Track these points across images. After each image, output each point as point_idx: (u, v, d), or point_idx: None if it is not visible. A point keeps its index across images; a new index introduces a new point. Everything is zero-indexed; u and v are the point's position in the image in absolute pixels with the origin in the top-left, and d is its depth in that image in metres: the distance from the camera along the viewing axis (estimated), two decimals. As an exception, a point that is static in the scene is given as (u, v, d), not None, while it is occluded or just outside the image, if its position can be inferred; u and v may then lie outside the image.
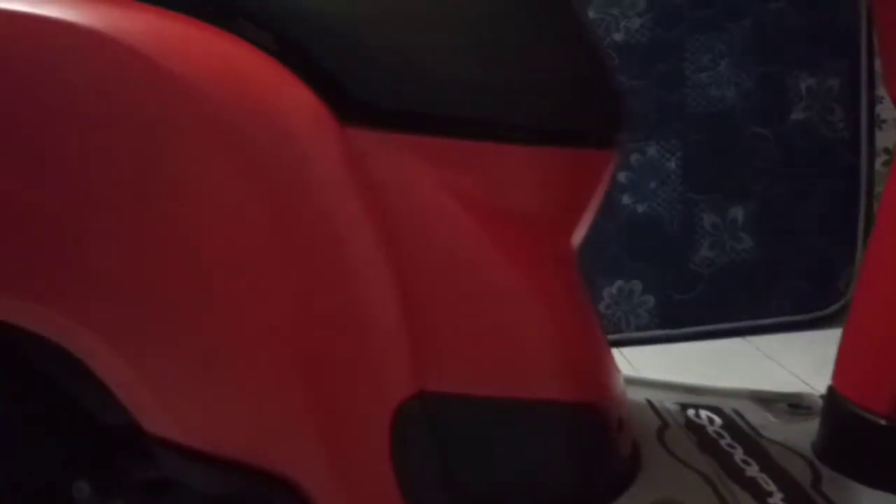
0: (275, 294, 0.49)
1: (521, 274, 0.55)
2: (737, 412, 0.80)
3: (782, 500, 0.63)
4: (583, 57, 0.58)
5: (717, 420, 0.77)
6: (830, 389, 0.75)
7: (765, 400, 0.84)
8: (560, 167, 0.57)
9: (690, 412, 0.78)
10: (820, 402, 0.84)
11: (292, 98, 0.49)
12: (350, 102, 0.50)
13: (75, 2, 0.48)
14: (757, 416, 0.79)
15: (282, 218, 0.48)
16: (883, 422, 0.68)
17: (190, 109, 0.47)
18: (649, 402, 0.79)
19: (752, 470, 0.67)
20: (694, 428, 0.74)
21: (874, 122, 1.76)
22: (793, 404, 0.83)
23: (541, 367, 0.55)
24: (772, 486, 0.65)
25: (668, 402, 0.80)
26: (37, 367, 0.57)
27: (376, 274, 0.50)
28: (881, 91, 1.80)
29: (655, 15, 1.55)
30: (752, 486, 0.64)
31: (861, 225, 1.74)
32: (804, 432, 0.77)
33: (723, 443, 0.72)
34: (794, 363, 1.58)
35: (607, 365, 0.61)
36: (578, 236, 0.61)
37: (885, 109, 1.84)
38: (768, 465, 0.69)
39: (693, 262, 1.66)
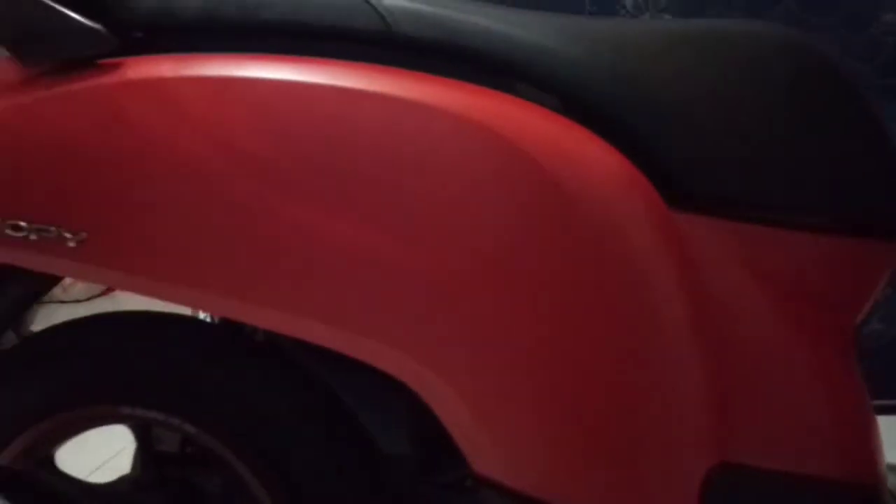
0: (602, 356, 0.54)
1: (816, 355, 0.59)
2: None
3: None
4: (879, 155, 0.62)
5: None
6: None
7: None
8: (855, 255, 0.61)
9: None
10: None
11: (626, 178, 0.55)
12: (676, 188, 0.56)
13: (427, 84, 0.56)
14: None
15: (615, 287, 0.54)
16: None
17: (537, 183, 0.54)
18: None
19: None
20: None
21: None
22: None
23: (832, 446, 0.58)
24: None
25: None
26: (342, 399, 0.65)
27: (689, 346, 0.55)
28: None
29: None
30: None
31: None
32: None
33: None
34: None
35: (880, 445, 0.63)
36: (860, 318, 0.64)
37: None
38: None
39: (862, 334, 1.64)
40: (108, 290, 2.47)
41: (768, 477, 0.57)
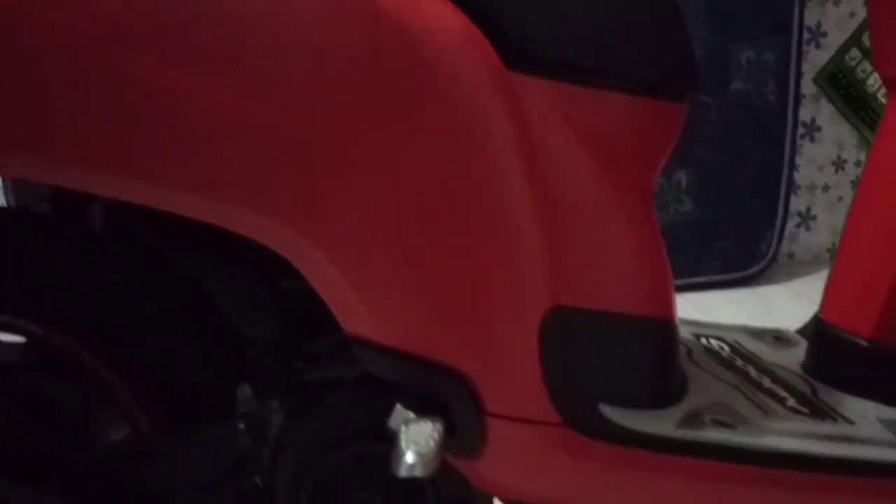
0: (448, 212, 0.63)
1: (625, 207, 0.71)
2: (737, 342, 1.01)
3: (795, 403, 0.84)
4: (672, 28, 0.75)
5: (726, 347, 0.98)
6: (818, 319, 0.97)
7: (753, 333, 1.06)
8: (653, 115, 0.73)
9: (703, 341, 0.99)
10: (795, 335, 1.07)
11: (468, 36, 0.62)
12: (510, 49, 0.64)
13: None
14: (752, 345, 1.01)
15: (459, 142, 0.62)
16: (865, 343, 0.91)
17: (389, 42, 0.60)
18: (670, 332, 0.99)
19: (767, 382, 0.88)
20: (711, 353, 0.95)
21: (799, 97, 2.05)
22: (776, 336, 1.06)
23: (639, 286, 0.72)
24: (784, 394, 0.86)
25: (683, 332, 1.00)
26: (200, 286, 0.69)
27: (524, 199, 0.65)
28: (804, 67, 2.10)
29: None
30: (771, 394, 0.85)
31: (783, 191, 2.04)
32: (791, 357, 0.99)
33: (738, 363, 0.93)
34: (727, 318, 1.85)
35: (673, 285, 0.79)
36: (656, 175, 0.78)
37: (805, 85, 2.15)
38: (776, 379, 0.90)
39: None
40: None
41: (594, 316, 0.70)
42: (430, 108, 0.61)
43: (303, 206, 0.60)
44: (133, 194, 0.60)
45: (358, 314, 0.63)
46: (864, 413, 0.85)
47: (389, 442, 0.62)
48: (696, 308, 1.90)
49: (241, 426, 0.69)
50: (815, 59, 2.15)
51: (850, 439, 0.79)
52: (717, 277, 2.00)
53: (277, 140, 0.59)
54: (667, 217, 1.91)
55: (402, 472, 0.59)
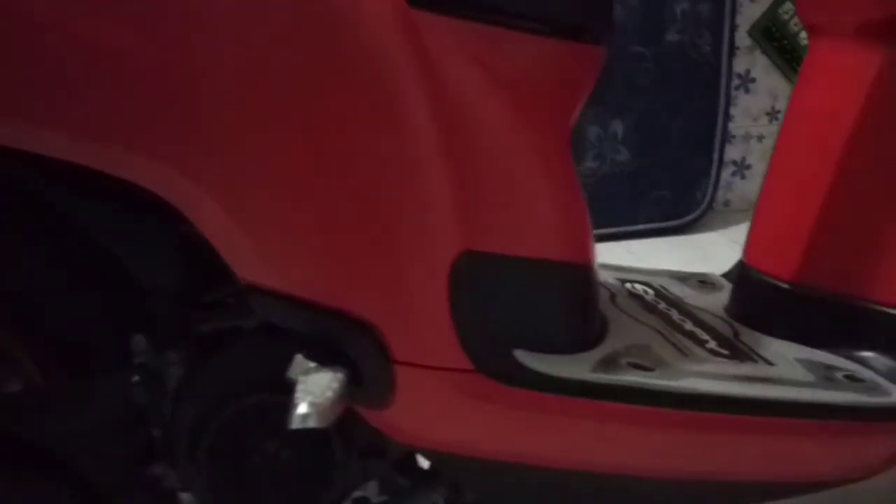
0: (349, 155, 0.58)
1: (541, 151, 0.68)
2: (662, 286, 0.99)
3: (716, 346, 0.83)
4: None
5: (650, 291, 0.96)
6: (741, 263, 0.95)
7: (679, 277, 1.05)
8: (570, 57, 0.69)
9: (628, 285, 0.97)
10: (720, 279, 1.06)
11: None
12: None
13: None
14: (677, 289, 0.99)
15: (360, 85, 0.58)
16: (786, 286, 0.89)
17: None
18: (594, 277, 0.96)
19: (689, 325, 0.87)
20: (635, 297, 0.93)
21: (734, 49, 2.03)
22: (701, 281, 1.04)
23: (557, 231, 0.69)
24: (706, 336, 0.85)
25: (607, 277, 0.98)
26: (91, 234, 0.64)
27: (431, 143, 0.61)
28: (738, 20, 2.08)
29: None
30: (692, 336, 0.83)
31: (718, 141, 2.03)
32: (715, 301, 0.98)
33: (661, 307, 0.91)
34: (662, 265, 1.85)
35: (591, 231, 0.76)
36: (574, 119, 0.74)
37: (739, 37, 2.12)
38: (698, 322, 0.88)
39: (578, 172, 1.86)
40: None
41: (507, 262, 0.66)
42: (326, 43, 0.56)
43: (187, 146, 0.55)
44: (6, 137, 0.54)
45: (251, 261, 0.59)
46: (783, 354, 0.84)
47: (290, 392, 0.58)
48: (632, 255, 1.89)
49: (136, 378, 0.65)
50: (750, 12, 2.13)
51: (769, 380, 0.78)
52: (653, 225, 1.99)
53: (157, 75, 0.54)
54: (604, 167, 1.88)
55: (295, 424, 0.55)
